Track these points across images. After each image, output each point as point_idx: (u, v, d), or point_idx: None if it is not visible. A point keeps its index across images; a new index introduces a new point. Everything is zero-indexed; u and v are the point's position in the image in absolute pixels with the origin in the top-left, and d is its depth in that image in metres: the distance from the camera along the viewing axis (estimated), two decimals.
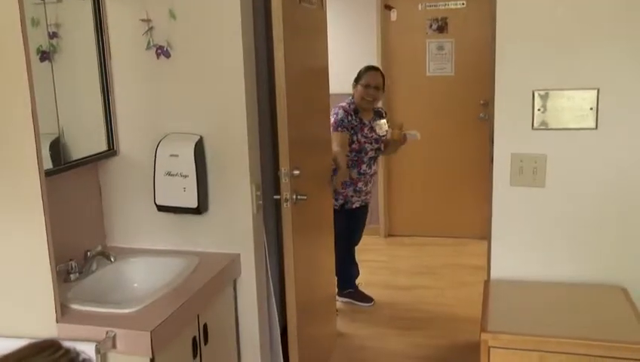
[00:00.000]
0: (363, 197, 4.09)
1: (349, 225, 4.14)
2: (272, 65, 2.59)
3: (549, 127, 2.29)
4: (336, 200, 3.94)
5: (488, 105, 4.91)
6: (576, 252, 2.32)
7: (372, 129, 3.96)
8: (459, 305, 4.08)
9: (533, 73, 2.27)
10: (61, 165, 2.41)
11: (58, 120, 2.40)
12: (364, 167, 3.97)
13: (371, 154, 3.98)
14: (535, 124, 2.30)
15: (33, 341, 1.04)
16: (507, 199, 2.36)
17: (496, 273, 2.41)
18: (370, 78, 3.92)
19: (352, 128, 3.90)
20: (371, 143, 3.96)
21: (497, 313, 2.14)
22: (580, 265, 2.32)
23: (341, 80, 4.20)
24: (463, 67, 5.21)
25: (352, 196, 4.01)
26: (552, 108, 2.27)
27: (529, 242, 2.36)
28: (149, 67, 2.58)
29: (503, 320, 2.10)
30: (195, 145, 2.54)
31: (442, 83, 5.26)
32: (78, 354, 0.98)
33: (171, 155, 2.56)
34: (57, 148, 2.42)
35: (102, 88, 2.61)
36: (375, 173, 4.15)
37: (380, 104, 4.17)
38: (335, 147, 3.79)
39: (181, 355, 2.25)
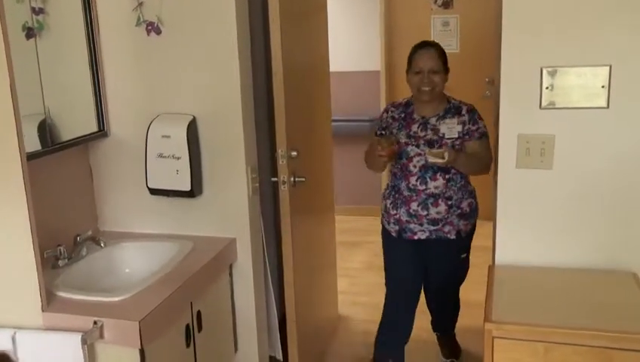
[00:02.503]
0: (430, 228, 2.78)
1: (415, 262, 2.92)
2: (269, 42, 2.47)
3: (558, 107, 2.16)
4: (389, 223, 2.89)
5: (494, 82, 4.78)
6: (585, 236, 2.21)
7: (426, 126, 2.75)
8: (463, 288, 3.98)
9: (541, 49, 2.13)
10: (48, 147, 2.31)
11: (43, 100, 2.29)
12: (413, 180, 2.75)
13: (420, 161, 2.72)
14: (543, 103, 2.17)
15: None
16: (513, 182, 2.25)
17: (500, 258, 2.30)
18: (422, 60, 2.74)
19: (389, 125, 2.84)
20: (418, 146, 2.73)
21: (502, 301, 2.03)
22: (589, 250, 2.21)
23: (343, 58, 4.10)
24: (468, 43, 5.06)
25: (407, 222, 2.79)
26: (561, 86, 2.15)
27: (535, 226, 2.25)
28: (140, 44, 2.47)
29: (507, 308, 1.99)
30: (188, 126, 2.44)
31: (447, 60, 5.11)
32: None
33: (163, 136, 2.46)
34: (43, 129, 2.32)
35: (91, 67, 2.51)
36: (440, 192, 2.73)
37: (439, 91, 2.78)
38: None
39: (173, 344, 2.17)
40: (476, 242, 4.65)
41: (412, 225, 2.80)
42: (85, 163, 2.64)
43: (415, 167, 2.74)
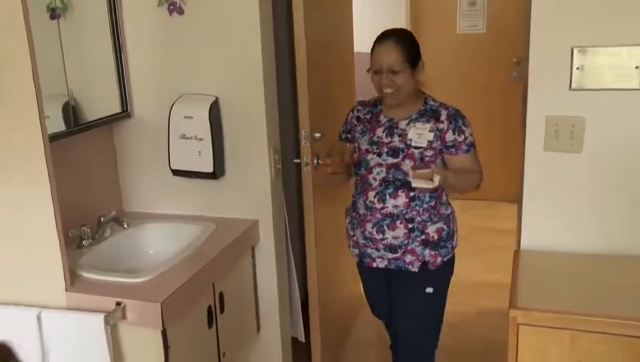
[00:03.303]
0: (388, 255, 2.27)
1: (373, 294, 2.55)
2: (293, 22, 2.41)
3: (589, 88, 2.08)
4: (349, 245, 2.44)
5: (521, 63, 4.66)
6: (614, 222, 2.13)
7: (392, 131, 2.24)
8: (486, 270, 3.93)
9: (572, 28, 2.04)
10: (72, 128, 2.29)
11: (67, 81, 2.26)
12: (371, 195, 2.24)
13: (380, 173, 2.23)
14: (573, 84, 2.09)
15: None
16: (540, 165, 2.17)
17: (526, 243, 2.24)
18: (379, 57, 2.20)
19: (352, 128, 2.39)
20: (380, 155, 2.24)
21: (527, 287, 1.97)
22: (617, 236, 2.14)
23: (367, 38, 3.97)
24: (495, 24, 4.92)
25: (364, 245, 2.32)
26: (592, 66, 2.06)
27: (563, 211, 2.18)
28: (162, 24, 2.42)
29: (533, 295, 1.93)
30: (210, 107, 2.39)
31: (473, 40, 4.99)
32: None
33: (185, 117, 2.41)
34: (67, 110, 2.29)
35: (114, 47, 2.47)
36: (399, 213, 2.22)
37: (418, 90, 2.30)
38: None
39: (195, 325, 2.15)
40: (499, 225, 4.60)
41: (369, 250, 2.31)
42: (109, 144, 2.61)
43: (375, 180, 2.23)
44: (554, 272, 2.09)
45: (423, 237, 2.24)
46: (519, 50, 4.62)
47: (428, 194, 2.21)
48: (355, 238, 2.36)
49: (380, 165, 2.23)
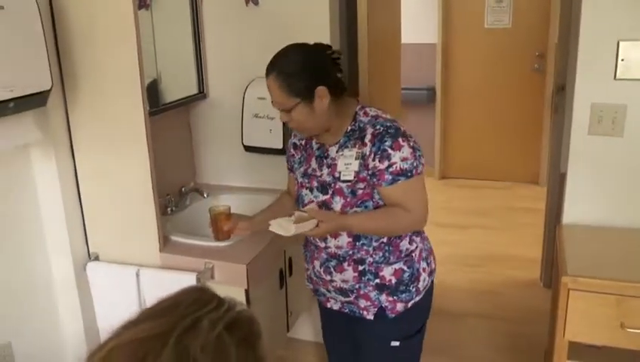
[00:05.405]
0: (340, 298, 1.79)
1: (330, 337, 2.04)
2: (351, 12, 2.44)
3: (632, 78, 2.09)
4: (306, 278, 1.95)
5: (544, 57, 4.65)
6: None
7: (323, 161, 1.73)
8: (512, 245, 3.96)
9: (618, 22, 2.06)
10: (158, 107, 2.34)
11: (156, 64, 2.31)
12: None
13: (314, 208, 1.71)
14: (618, 75, 2.10)
15: (185, 288, 0.83)
16: (584, 147, 2.19)
17: (569, 219, 2.26)
18: (270, 94, 1.72)
19: (290, 158, 1.90)
20: (311, 190, 1.75)
21: (574, 257, 2.01)
22: None
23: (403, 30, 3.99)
24: (519, 19, 4.89)
25: (317, 282, 1.85)
26: (636, 59, 2.07)
27: (604, 190, 2.20)
28: (239, 13, 2.46)
29: (580, 263, 1.96)
30: None
31: (499, 35, 4.96)
32: (235, 303, 0.80)
33: (258, 98, 2.46)
34: (154, 91, 2.35)
35: (193, 34, 2.51)
36: (345, 254, 1.72)
37: (374, 111, 1.71)
38: None
39: (270, 285, 2.22)
40: (521, 204, 4.64)
41: (322, 289, 1.84)
42: (186, 122, 2.67)
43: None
44: (597, 244, 2.13)
45: (377, 281, 1.71)
46: (541, 44, 4.63)
47: None
48: (308, 273, 1.89)
49: (312, 202, 1.73)
